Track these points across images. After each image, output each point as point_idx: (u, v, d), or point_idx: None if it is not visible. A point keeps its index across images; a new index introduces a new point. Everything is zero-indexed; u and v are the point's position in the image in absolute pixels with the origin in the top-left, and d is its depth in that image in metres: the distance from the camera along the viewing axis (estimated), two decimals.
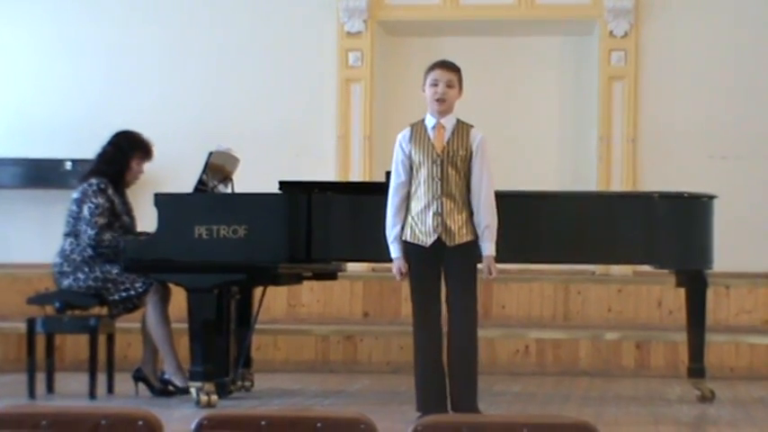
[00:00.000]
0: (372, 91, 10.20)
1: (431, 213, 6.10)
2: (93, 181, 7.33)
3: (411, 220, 6.15)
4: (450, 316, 6.13)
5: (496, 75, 10.39)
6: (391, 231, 6.19)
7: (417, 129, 6.21)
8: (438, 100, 6.16)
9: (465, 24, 10.32)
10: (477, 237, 6.14)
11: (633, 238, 7.01)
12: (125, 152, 7.42)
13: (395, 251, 6.17)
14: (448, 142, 6.14)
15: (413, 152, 6.16)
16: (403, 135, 6.23)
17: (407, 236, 6.15)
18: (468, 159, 6.15)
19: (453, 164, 6.12)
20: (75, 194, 7.38)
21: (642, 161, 10.02)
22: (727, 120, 9.98)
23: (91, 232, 7.27)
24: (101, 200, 7.30)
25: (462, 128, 6.19)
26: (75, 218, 7.33)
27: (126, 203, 7.49)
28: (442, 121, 6.17)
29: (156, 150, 7.53)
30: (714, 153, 9.98)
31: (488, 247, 6.14)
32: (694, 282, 7.23)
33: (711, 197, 7.23)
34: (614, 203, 7.31)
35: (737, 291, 9.32)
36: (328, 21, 10.24)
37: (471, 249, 6.13)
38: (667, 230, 7.06)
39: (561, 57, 10.50)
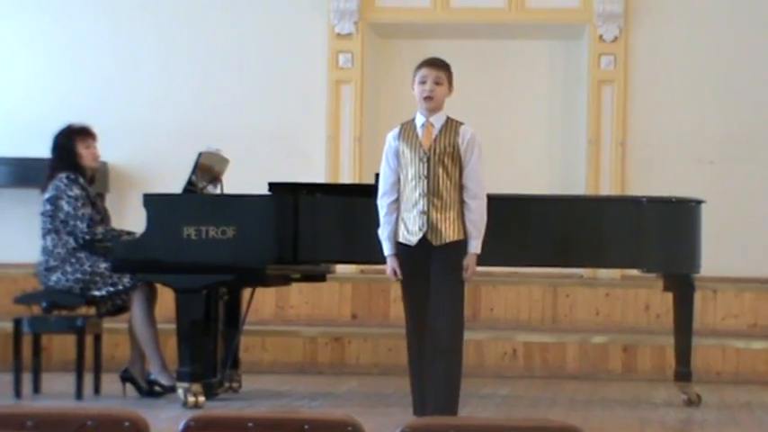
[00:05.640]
0: (362, 92, 10.19)
1: (417, 212, 6.04)
2: (62, 175, 7.32)
3: (401, 219, 6.11)
4: (431, 316, 6.01)
5: (486, 78, 10.39)
6: (383, 230, 6.12)
7: (407, 127, 6.16)
8: (426, 98, 6.09)
9: (455, 27, 10.32)
10: (466, 236, 6.06)
11: (621, 241, 7.02)
12: (65, 144, 7.43)
13: (387, 249, 6.10)
14: (435, 140, 6.07)
15: (401, 150, 6.10)
16: (392, 133, 6.18)
17: (399, 236, 6.10)
18: (456, 157, 6.06)
19: (441, 162, 6.04)
20: (46, 195, 7.34)
21: (631, 165, 10.03)
22: (716, 124, 10.00)
23: (82, 225, 7.26)
24: (77, 191, 7.30)
25: (451, 125, 6.11)
26: (51, 216, 7.30)
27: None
28: (432, 119, 6.10)
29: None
30: (702, 157, 9.99)
31: (472, 245, 6.06)
32: (682, 286, 7.24)
33: (699, 201, 7.25)
34: (603, 207, 7.32)
35: (724, 295, 9.33)
36: (319, 22, 10.23)
37: (459, 249, 6.05)
38: (655, 234, 7.08)
39: (551, 61, 10.51)
